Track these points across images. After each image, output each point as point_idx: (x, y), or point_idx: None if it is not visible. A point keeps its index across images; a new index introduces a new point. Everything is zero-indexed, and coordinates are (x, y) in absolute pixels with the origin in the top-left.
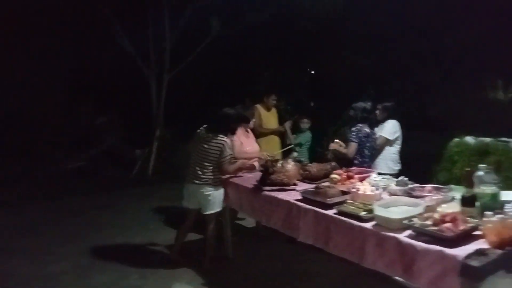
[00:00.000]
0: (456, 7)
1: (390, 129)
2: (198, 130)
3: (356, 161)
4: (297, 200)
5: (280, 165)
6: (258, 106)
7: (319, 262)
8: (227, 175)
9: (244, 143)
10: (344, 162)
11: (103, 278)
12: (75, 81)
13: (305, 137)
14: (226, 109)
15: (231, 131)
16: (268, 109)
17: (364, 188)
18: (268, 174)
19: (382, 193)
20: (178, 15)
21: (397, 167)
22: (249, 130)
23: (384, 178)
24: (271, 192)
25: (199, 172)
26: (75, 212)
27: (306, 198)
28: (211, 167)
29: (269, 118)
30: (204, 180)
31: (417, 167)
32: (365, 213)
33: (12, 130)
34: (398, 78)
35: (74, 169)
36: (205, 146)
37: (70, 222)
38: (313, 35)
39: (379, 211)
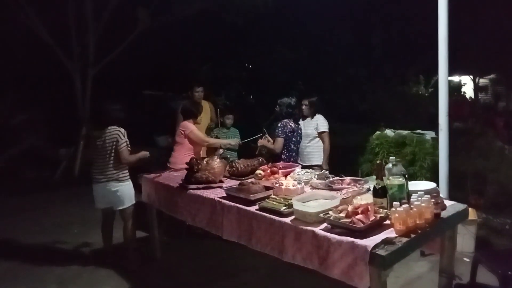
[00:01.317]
0: (383, 8)
1: (325, 122)
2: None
3: (283, 156)
4: (221, 197)
5: (205, 162)
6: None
7: (250, 258)
8: (149, 176)
9: None
10: (273, 157)
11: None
12: None
13: (232, 133)
14: (105, 102)
15: (117, 121)
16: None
17: (287, 182)
18: (193, 172)
19: (304, 187)
20: (102, 6)
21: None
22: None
23: (307, 172)
24: (196, 191)
25: (102, 170)
26: None
27: (230, 195)
28: (112, 162)
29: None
30: (108, 176)
31: (348, 159)
32: (286, 208)
33: None
34: (329, 73)
35: None
36: (100, 142)
37: None
38: (244, 30)
39: (297, 205)
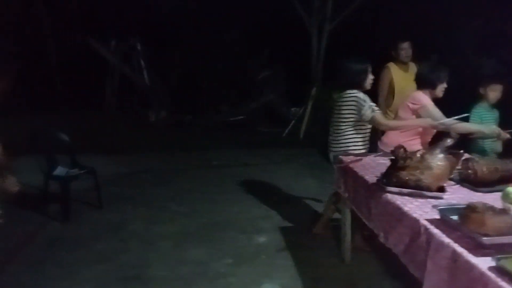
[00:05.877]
0: None
1: None
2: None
3: None
4: (431, 220)
5: (419, 155)
6: (390, 65)
7: None
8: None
9: None
10: None
11: (196, 255)
12: (250, 34)
13: (494, 115)
14: (349, 60)
15: (356, 85)
16: (405, 67)
17: None
18: (397, 169)
19: None
20: None
21: None
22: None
23: None
24: (395, 197)
25: (337, 139)
26: (205, 168)
27: (446, 221)
28: (347, 133)
29: (406, 82)
30: (342, 147)
31: None
32: None
33: (189, 83)
34: None
35: (235, 121)
36: (337, 105)
37: (196, 175)
38: None
39: None
